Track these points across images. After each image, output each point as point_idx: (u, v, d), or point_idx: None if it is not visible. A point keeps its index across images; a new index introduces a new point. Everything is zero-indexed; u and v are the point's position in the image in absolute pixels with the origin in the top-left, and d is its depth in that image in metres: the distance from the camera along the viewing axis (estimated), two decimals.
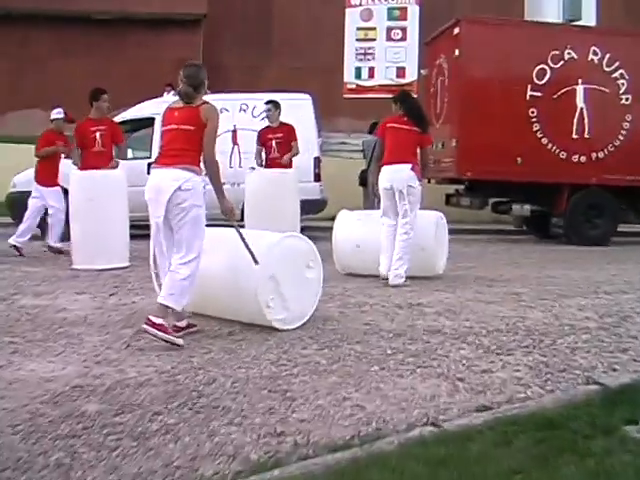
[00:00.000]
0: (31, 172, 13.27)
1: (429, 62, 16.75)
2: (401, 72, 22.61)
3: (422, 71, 17.24)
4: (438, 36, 16.03)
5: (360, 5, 22.97)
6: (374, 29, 23.14)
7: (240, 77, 22.63)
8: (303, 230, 12.36)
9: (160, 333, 6.04)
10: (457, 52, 14.56)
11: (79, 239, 10.83)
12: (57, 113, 12.85)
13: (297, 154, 12.40)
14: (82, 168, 11.35)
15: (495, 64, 14.64)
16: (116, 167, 11.41)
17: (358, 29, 22.87)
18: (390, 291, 8.92)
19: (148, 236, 6.53)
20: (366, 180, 15.32)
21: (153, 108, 14.69)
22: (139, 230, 13.16)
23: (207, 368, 5.52)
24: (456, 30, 14.67)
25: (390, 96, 21.01)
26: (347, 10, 22.82)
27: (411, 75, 21.71)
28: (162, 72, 21.58)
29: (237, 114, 14.80)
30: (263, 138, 12.43)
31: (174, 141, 6.33)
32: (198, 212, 6.21)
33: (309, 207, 13.74)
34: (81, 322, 7.05)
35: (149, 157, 14.26)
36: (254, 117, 14.50)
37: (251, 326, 6.78)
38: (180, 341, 6.13)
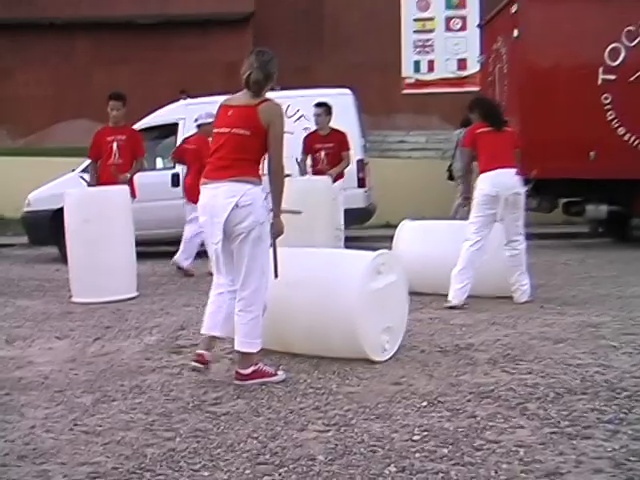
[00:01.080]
0: (48, 188, 11.87)
1: (486, 47, 14.85)
2: (462, 64, 21.76)
3: (478, 58, 15.38)
4: (494, 17, 14.09)
5: None
6: (432, 19, 22.26)
7: (292, 77, 20.68)
8: (348, 241, 10.97)
9: (257, 381, 5.40)
10: (516, 33, 12.57)
11: (76, 267, 9.30)
12: (207, 116, 10.26)
13: (348, 166, 10.99)
14: (97, 184, 10.00)
15: (560, 45, 12.59)
16: (125, 182, 9.81)
17: (415, 20, 22.08)
18: (437, 326, 7.19)
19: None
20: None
21: (178, 112, 13.09)
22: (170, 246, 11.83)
23: (158, 469, 3.92)
24: (514, 7, 12.69)
25: (451, 90, 20.79)
26: (402, 0, 21.89)
27: (473, 67, 20.27)
28: (210, 76, 20.77)
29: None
30: (310, 146, 10.85)
31: (225, 149, 5.36)
32: (260, 230, 5.33)
33: (352, 217, 12.06)
34: (37, 385, 5.59)
35: (173, 167, 12.71)
36: (289, 117, 12.70)
37: (251, 390, 5.29)
38: (281, 376, 5.50)
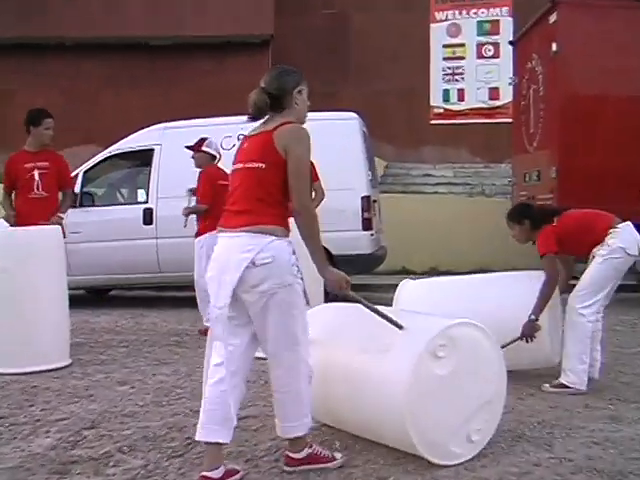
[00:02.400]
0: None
1: (519, 67, 12.52)
2: (494, 93, 20.15)
3: (510, 79, 13.18)
4: (529, 30, 11.75)
5: (446, 20, 20.71)
6: (463, 46, 20.74)
7: (314, 104, 19.05)
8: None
9: (312, 467, 4.42)
10: (555, 47, 10.23)
11: None
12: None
13: (322, 200, 8.94)
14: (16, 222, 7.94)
15: (608, 61, 10.26)
16: (59, 223, 7.70)
17: (445, 46, 20.64)
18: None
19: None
20: None
21: (154, 137, 10.92)
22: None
23: None
24: (553, 17, 10.38)
25: (483, 121, 18.92)
26: (432, 26, 20.59)
27: (506, 96, 18.86)
28: (226, 101, 18.78)
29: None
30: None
31: (240, 189, 4.31)
32: (289, 294, 4.20)
33: (355, 265, 9.96)
34: None
35: (145, 201, 10.57)
36: None
37: None
38: (339, 460, 4.49)
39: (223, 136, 10.61)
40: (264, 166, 4.16)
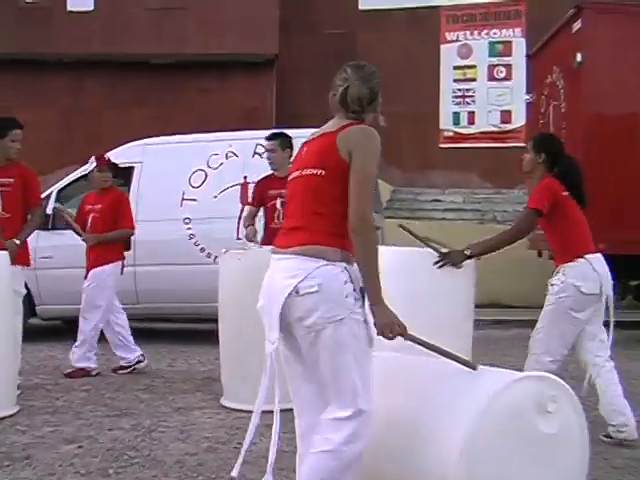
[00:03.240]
0: None
1: (536, 83, 11.32)
2: (506, 116, 19.31)
3: (526, 97, 12.04)
4: (548, 42, 10.56)
5: (457, 41, 19.94)
6: (474, 67, 19.92)
7: (321, 125, 18.54)
8: None
9: None
10: (579, 58, 9.00)
11: None
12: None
13: None
14: None
15: (639, 73, 9.05)
16: (15, 249, 6.56)
17: (455, 68, 19.86)
18: None
19: None
20: None
21: (134, 154, 9.79)
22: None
23: None
24: (577, 25, 9.17)
25: (494, 145, 18.09)
26: (442, 47, 19.82)
27: (518, 119, 18.43)
28: (229, 122, 17.94)
29: (249, 159, 9.61)
30: (260, 194, 7.73)
31: (294, 201, 3.58)
32: (338, 331, 3.29)
33: None
34: None
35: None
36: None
37: None
38: None
39: (210, 154, 9.52)
40: (323, 173, 3.45)
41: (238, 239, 9.13)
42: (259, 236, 7.55)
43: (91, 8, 20.38)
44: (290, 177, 3.67)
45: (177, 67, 20.07)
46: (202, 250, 9.24)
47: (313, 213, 3.46)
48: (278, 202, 7.41)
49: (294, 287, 3.34)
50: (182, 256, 9.37)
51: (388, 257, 4.24)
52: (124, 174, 9.88)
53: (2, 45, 19.53)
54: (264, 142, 8.03)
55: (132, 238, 9.10)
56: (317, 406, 3.49)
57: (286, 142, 7.58)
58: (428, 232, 14.49)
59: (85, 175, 9.84)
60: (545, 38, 10.77)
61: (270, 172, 7.75)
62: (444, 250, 5.16)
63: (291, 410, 3.63)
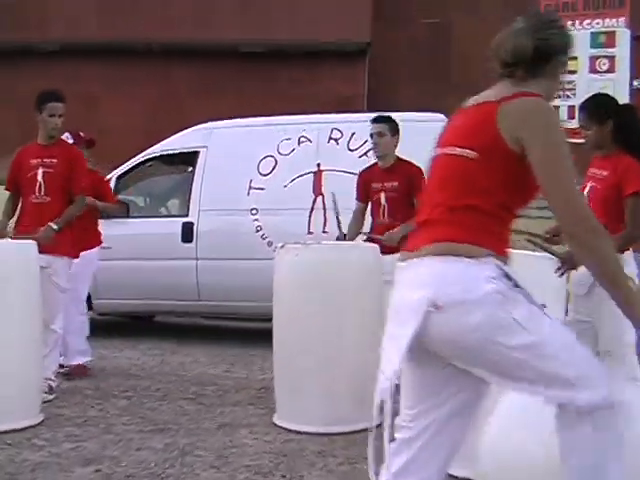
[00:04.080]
0: None
1: None
2: None
3: (636, 82, 10.85)
4: None
5: None
6: (575, 59, 16.82)
7: None
8: None
9: None
10: None
11: None
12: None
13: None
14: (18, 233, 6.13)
15: None
16: (47, 239, 5.76)
17: None
18: None
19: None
20: None
21: (198, 138, 8.91)
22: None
23: None
24: None
25: None
26: None
27: None
28: (320, 112, 17.07)
29: (324, 145, 8.57)
30: (364, 188, 6.72)
31: (432, 188, 2.71)
32: (513, 342, 2.41)
33: None
34: None
35: (186, 214, 8.57)
36: (352, 151, 8.29)
37: None
38: None
39: (280, 139, 8.55)
40: (474, 155, 2.57)
41: (310, 233, 8.15)
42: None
43: None
44: (435, 154, 2.76)
45: (266, 55, 19.28)
46: (270, 244, 8.20)
47: (457, 207, 2.59)
48: (382, 196, 6.48)
49: (431, 301, 2.44)
50: (248, 250, 8.42)
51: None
52: (188, 160, 9.02)
53: (87, 32, 19.00)
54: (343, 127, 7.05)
55: (194, 228, 8.26)
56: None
57: (396, 127, 6.61)
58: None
59: (144, 161, 9.07)
60: None
61: (372, 162, 6.77)
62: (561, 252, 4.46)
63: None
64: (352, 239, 6.48)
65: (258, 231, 8.49)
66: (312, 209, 8.25)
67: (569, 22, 18.36)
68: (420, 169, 6.36)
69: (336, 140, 8.43)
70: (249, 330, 9.82)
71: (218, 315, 9.62)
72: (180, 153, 9.17)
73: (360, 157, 8.01)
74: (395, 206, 6.44)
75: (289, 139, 8.57)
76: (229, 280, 8.42)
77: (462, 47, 19.34)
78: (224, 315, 9.55)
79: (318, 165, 8.45)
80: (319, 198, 8.29)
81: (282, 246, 5.58)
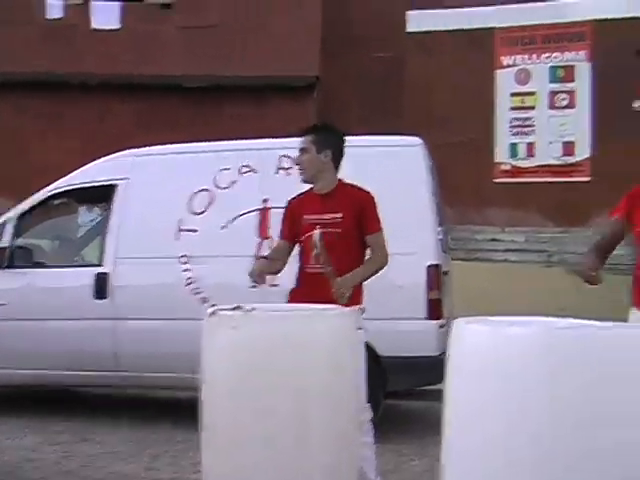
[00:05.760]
0: None
1: None
2: (569, 148, 17.17)
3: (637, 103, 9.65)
4: None
5: (514, 65, 17.88)
6: (533, 94, 17.87)
7: None
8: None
9: None
10: None
11: None
12: None
13: (382, 266, 4.70)
14: None
15: None
16: None
17: (512, 95, 17.87)
18: None
19: None
20: None
21: (119, 169, 7.09)
22: None
23: None
24: None
25: (555, 180, 15.95)
26: (497, 72, 17.92)
27: (582, 152, 16.57)
28: None
29: (271, 176, 6.77)
30: (292, 220, 4.94)
31: None
32: None
33: (416, 373, 6.21)
34: None
35: (100, 263, 6.71)
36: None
37: None
38: None
39: (218, 169, 6.76)
40: None
41: (254, 286, 6.29)
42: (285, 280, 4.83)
43: (117, 26, 18.47)
44: None
45: (211, 91, 18.12)
46: (204, 300, 6.35)
47: None
48: (316, 234, 4.55)
49: None
50: (176, 308, 6.57)
51: None
52: (104, 195, 7.13)
53: (22, 65, 17.49)
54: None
55: (108, 281, 6.37)
56: None
57: (328, 140, 4.79)
58: (488, 274, 12.20)
59: (51, 197, 7.19)
60: None
61: (305, 189, 4.92)
62: None
63: None
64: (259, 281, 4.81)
65: (189, 284, 6.64)
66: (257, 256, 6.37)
67: (527, 56, 17.67)
68: (371, 195, 4.66)
69: (286, 170, 6.63)
70: (181, 402, 7.83)
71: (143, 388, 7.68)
72: (94, 187, 7.27)
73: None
74: (336, 247, 4.54)
75: (228, 169, 6.76)
76: (154, 345, 6.55)
77: (415, 83, 18.49)
78: (150, 387, 7.62)
79: (264, 201, 6.68)
80: (265, 242, 6.44)
81: (212, 313, 3.71)
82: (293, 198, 4.94)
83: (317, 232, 4.51)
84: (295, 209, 4.82)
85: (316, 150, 4.67)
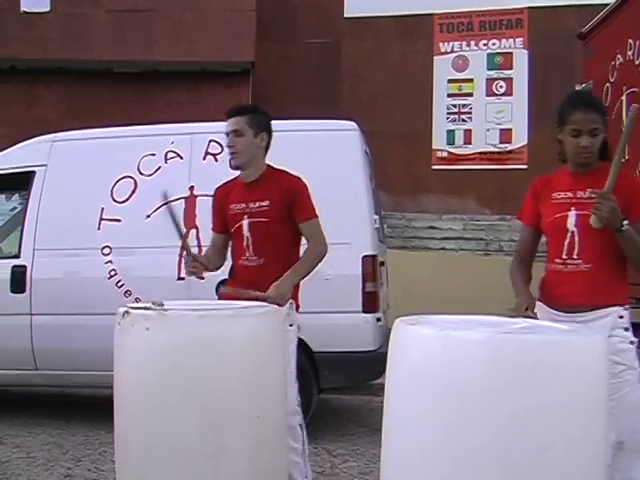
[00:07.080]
0: None
1: (595, 69, 8.18)
2: (506, 135, 17.16)
3: (579, 87, 9.31)
4: (615, 12, 7.34)
5: (452, 52, 17.75)
6: (470, 81, 17.78)
7: None
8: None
9: None
10: None
11: None
12: None
13: (321, 256, 4.37)
14: None
15: None
16: None
17: (450, 82, 17.76)
18: None
19: None
20: None
21: (36, 154, 6.66)
22: None
23: None
24: None
25: (492, 167, 15.88)
26: (435, 59, 17.82)
27: (520, 139, 16.56)
28: None
29: (199, 162, 6.43)
30: (220, 211, 4.63)
31: None
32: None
33: (352, 370, 5.93)
34: None
35: (17, 255, 6.34)
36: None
37: None
38: None
39: (141, 155, 6.38)
40: None
41: (180, 279, 5.93)
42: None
43: (47, 9, 17.86)
44: None
45: (143, 76, 17.56)
46: (127, 294, 5.99)
47: None
48: (245, 224, 4.23)
49: None
50: (98, 302, 6.17)
51: None
52: (20, 182, 6.72)
53: None
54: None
55: (27, 274, 5.98)
56: None
57: (262, 121, 4.49)
58: (425, 263, 12.01)
59: None
60: (607, 10, 7.58)
61: (233, 176, 4.59)
62: None
63: None
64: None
65: (112, 277, 6.27)
66: (183, 246, 6.04)
67: (465, 43, 17.54)
68: (301, 181, 4.36)
69: (214, 156, 6.30)
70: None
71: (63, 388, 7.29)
72: (10, 174, 6.83)
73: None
74: (265, 237, 4.28)
75: (153, 155, 6.41)
76: (74, 342, 6.17)
77: (352, 70, 18.28)
78: (70, 387, 7.23)
79: (191, 188, 6.32)
80: (192, 232, 6.08)
81: (125, 312, 3.36)
82: (219, 187, 4.63)
83: (246, 222, 4.24)
84: (221, 198, 4.52)
85: (253, 133, 4.36)
